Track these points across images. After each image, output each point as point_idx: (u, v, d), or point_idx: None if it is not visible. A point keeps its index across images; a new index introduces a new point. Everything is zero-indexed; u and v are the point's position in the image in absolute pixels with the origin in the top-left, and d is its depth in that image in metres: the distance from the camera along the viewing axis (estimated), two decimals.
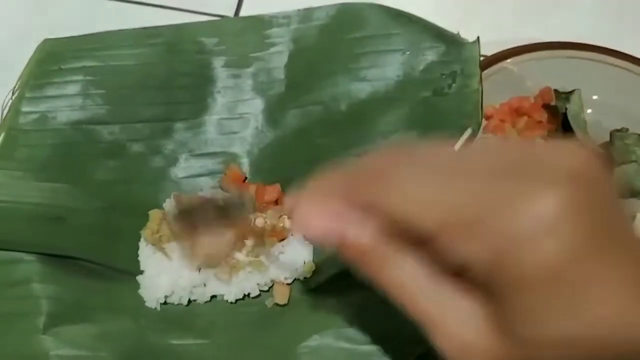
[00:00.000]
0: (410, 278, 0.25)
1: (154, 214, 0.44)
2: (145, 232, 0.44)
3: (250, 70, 0.50)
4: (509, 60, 0.51)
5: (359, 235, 0.25)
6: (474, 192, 0.22)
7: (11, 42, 0.57)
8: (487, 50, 0.51)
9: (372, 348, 0.37)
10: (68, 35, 0.51)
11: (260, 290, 0.43)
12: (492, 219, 0.21)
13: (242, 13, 0.61)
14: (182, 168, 0.48)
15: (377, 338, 0.38)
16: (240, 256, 0.43)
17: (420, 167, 0.24)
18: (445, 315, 0.24)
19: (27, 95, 0.47)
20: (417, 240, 0.24)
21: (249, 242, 0.43)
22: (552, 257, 0.20)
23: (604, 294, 0.21)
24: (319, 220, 0.26)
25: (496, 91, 0.50)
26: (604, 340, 0.21)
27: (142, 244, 0.44)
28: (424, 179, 0.23)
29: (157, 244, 0.43)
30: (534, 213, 0.20)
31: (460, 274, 0.24)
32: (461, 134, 0.42)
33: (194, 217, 0.39)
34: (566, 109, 0.50)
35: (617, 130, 0.49)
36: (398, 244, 0.25)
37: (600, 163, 0.22)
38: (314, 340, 0.38)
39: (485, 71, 0.50)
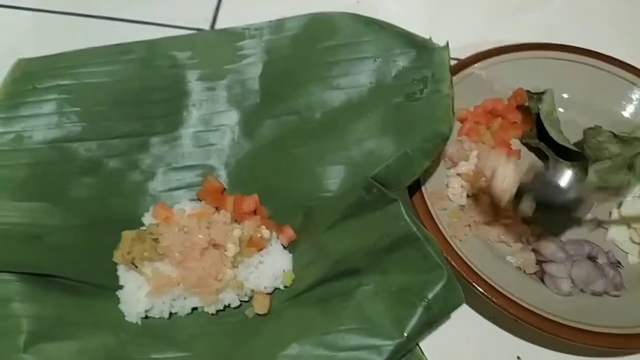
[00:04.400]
0: None
1: (126, 235, 0.44)
2: (117, 254, 0.43)
3: (224, 82, 0.50)
4: (480, 64, 0.51)
5: None
6: None
7: None
8: (459, 53, 0.52)
9: (350, 354, 0.38)
10: (44, 53, 0.51)
11: (240, 301, 0.44)
12: None
13: (218, 26, 0.61)
14: (160, 182, 0.49)
15: (355, 344, 0.38)
16: (228, 271, 0.43)
17: None
18: None
19: (2, 115, 0.47)
20: None
21: (230, 253, 0.43)
22: None
23: None
24: None
25: (468, 94, 0.50)
26: None
27: None
28: None
29: (130, 265, 0.43)
30: None
31: None
32: (434, 138, 0.43)
33: None
34: (539, 109, 0.51)
35: (590, 129, 0.50)
36: None
37: None
38: (293, 349, 0.38)
39: (457, 75, 0.50)
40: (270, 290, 0.44)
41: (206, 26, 0.62)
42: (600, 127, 0.50)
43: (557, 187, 0.41)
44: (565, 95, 0.52)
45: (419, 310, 0.38)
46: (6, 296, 0.40)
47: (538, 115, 0.51)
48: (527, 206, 0.42)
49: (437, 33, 0.48)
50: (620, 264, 0.45)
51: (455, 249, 0.43)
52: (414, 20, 0.51)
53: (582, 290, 0.44)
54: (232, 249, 0.43)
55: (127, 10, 0.62)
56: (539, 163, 0.51)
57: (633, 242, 0.47)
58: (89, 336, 0.40)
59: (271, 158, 0.48)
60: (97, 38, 0.52)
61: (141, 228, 0.45)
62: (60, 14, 0.62)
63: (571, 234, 0.47)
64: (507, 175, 0.43)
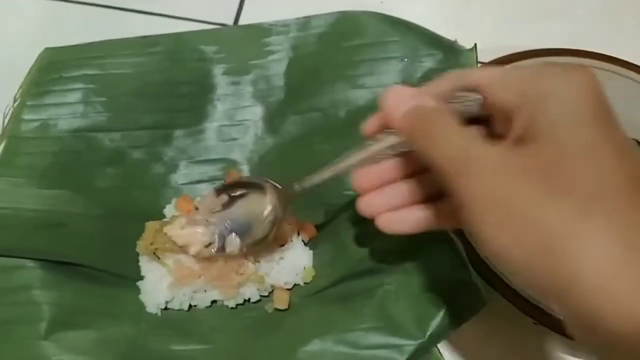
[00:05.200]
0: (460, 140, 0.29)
1: (150, 225, 0.44)
2: (140, 244, 0.44)
3: (249, 77, 0.50)
4: (507, 67, 0.51)
5: (425, 102, 0.32)
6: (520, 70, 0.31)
7: (13, 50, 0.57)
8: (484, 57, 0.52)
9: (372, 352, 0.37)
10: (69, 44, 0.51)
11: (260, 296, 0.44)
12: (528, 81, 0.29)
13: (242, 21, 0.62)
14: (183, 175, 0.49)
15: (376, 343, 0.38)
16: (250, 266, 0.43)
17: None
18: (476, 154, 0.28)
19: (29, 103, 0.48)
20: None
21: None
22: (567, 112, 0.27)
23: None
24: (396, 96, 0.33)
25: None
26: None
27: None
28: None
29: (152, 256, 0.43)
30: (566, 78, 0.28)
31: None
32: None
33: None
34: None
35: None
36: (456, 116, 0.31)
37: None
38: (314, 345, 0.38)
39: None
40: (290, 286, 0.44)
41: (229, 21, 0.62)
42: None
43: None
44: None
45: (442, 311, 0.38)
46: (28, 283, 0.40)
47: None
48: None
49: (461, 37, 0.48)
50: None
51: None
52: (438, 23, 0.50)
53: None
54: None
55: (150, 3, 0.63)
56: None
57: None
58: (110, 326, 0.41)
59: (294, 154, 0.48)
60: (121, 30, 0.53)
61: (163, 220, 0.45)
62: (85, 4, 0.63)
63: None
64: None
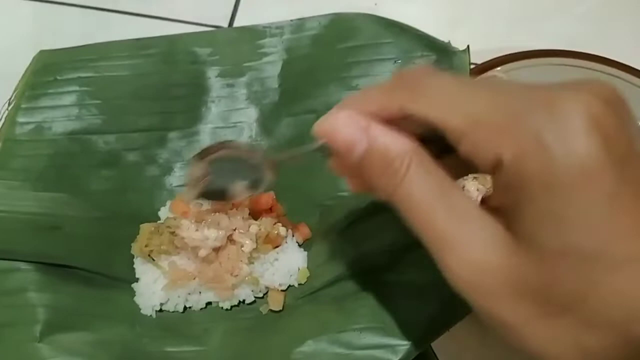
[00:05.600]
0: (433, 194, 0.25)
1: (145, 227, 0.44)
2: (134, 246, 0.44)
3: (244, 79, 0.50)
4: (499, 68, 0.52)
5: (387, 142, 0.26)
6: (504, 99, 0.22)
7: (8, 53, 0.57)
8: (478, 58, 0.52)
9: (365, 353, 0.38)
10: (64, 46, 0.51)
11: (255, 297, 0.44)
12: (521, 121, 0.21)
13: (236, 24, 0.62)
14: (177, 177, 0.49)
15: (370, 343, 0.38)
16: (244, 267, 0.43)
17: (452, 79, 0.25)
18: (464, 235, 0.24)
19: (23, 105, 0.48)
20: (443, 149, 0.25)
21: (247, 249, 0.43)
22: (585, 156, 0.20)
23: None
24: (346, 129, 0.27)
25: None
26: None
27: None
28: (457, 86, 0.24)
29: (147, 258, 0.43)
30: (565, 114, 0.21)
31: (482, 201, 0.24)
32: None
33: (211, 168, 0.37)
34: None
35: None
36: (424, 156, 0.25)
37: (623, 95, 0.22)
38: (308, 346, 0.38)
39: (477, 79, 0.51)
40: (284, 287, 0.44)
41: (224, 24, 0.62)
42: None
43: None
44: None
45: (435, 310, 0.38)
46: (22, 285, 0.40)
47: None
48: None
49: (456, 38, 0.48)
50: None
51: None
52: (433, 25, 0.51)
53: None
54: (249, 245, 0.43)
55: (145, 5, 0.63)
56: None
57: None
58: (105, 328, 0.41)
59: None
60: (117, 32, 0.53)
61: (158, 222, 0.45)
62: (81, 7, 0.63)
63: None
64: None
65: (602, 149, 0.20)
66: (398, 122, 0.26)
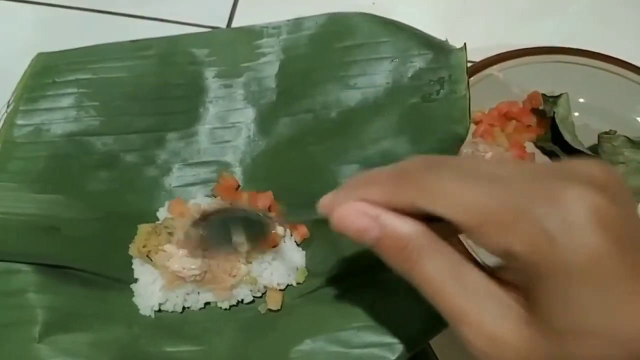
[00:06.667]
0: (446, 272, 0.26)
1: (142, 228, 0.44)
2: (132, 247, 0.44)
3: (241, 80, 0.50)
4: (496, 66, 0.52)
5: (398, 229, 0.27)
6: (508, 194, 0.23)
7: (6, 55, 0.58)
8: (475, 56, 0.52)
9: (363, 351, 0.38)
10: (63, 48, 0.51)
11: (253, 297, 0.44)
12: (527, 217, 0.22)
13: (234, 24, 0.62)
14: (176, 177, 0.49)
15: (368, 342, 0.38)
16: (242, 267, 0.43)
17: (457, 170, 0.26)
18: (478, 310, 0.25)
19: (22, 108, 0.48)
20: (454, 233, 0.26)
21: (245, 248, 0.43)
22: (592, 246, 0.21)
23: None
24: (359, 219, 0.28)
25: (484, 97, 0.50)
26: None
27: None
28: (460, 182, 0.25)
29: (145, 258, 0.43)
30: (569, 208, 0.22)
31: (494, 273, 0.25)
32: (450, 139, 0.43)
33: (211, 227, 0.40)
34: (554, 112, 0.51)
35: (605, 133, 0.50)
36: (434, 237, 0.26)
37: (619, 176, 0.23)
38: (307, 345, 0.38)
39: (473, 77, 0.51)
40: (283, 287, 0.44)
41: (222, 25, 0.62)
42: (615, 131, 0.50)
43: None
44: (581, 100, 0.53)
45: (432, 310, 0.38)
46: (22, 287, 0.41)
47: (553, 118, 0.51)
48: None
49: (453, 37, 0.48)
50: None
51: (469, 250, 0.43)
52: (430, 24, 0.51)
53: None
54: (246, 244, 0.43)
55: (144, 7, 0.63)
56: None
57: None
58: (103, 328, 0.41)
59: (286, 156, 0.48)
60: (115, 34, 0.53)
61: (156, 223, 0.45)
62: (79, 9, 0.63)
63: None
64: None
65: (607, 239, 0.21)
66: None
